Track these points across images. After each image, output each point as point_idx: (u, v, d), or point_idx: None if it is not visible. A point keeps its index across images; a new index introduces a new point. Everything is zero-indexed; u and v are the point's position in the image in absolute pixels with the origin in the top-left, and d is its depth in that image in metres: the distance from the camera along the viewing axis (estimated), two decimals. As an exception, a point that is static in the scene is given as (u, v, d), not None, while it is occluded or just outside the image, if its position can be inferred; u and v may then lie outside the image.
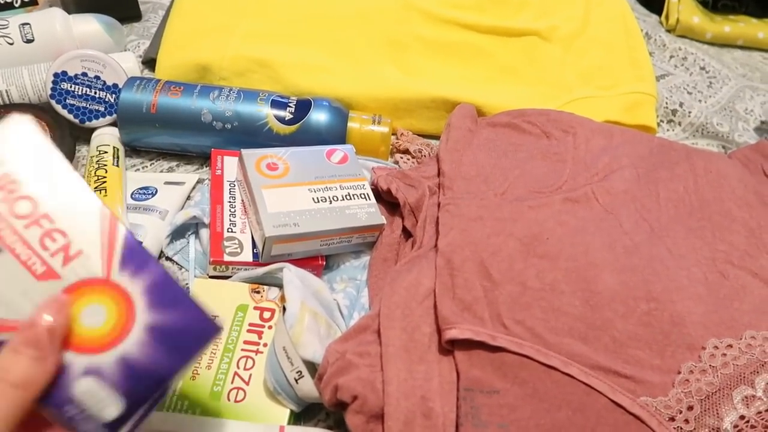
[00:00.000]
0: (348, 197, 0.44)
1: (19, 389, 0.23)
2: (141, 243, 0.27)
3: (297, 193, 0.43)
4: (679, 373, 0.36)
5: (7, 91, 0.51)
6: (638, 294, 0.39)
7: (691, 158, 0.49)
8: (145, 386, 0.26)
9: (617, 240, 0.42)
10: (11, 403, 0.23)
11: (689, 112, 0.57)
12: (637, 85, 0.56)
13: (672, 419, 0.34)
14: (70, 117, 0.51)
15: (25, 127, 0.26)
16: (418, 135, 0.55)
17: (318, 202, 0.43)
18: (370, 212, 0.44)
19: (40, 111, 0.50)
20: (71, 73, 0.50)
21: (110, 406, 0.26)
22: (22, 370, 0.23)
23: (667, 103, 0.58)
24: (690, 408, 0.35)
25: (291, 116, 0.50)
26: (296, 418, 0.39)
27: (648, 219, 0.44)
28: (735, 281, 0.40)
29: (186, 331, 0.27)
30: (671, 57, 0.64)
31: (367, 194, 0.45)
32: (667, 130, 0.58)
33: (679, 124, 0.58)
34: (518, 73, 0.57)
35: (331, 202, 0.44)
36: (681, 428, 0.34)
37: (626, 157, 0.49)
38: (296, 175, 0.45)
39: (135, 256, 0.27)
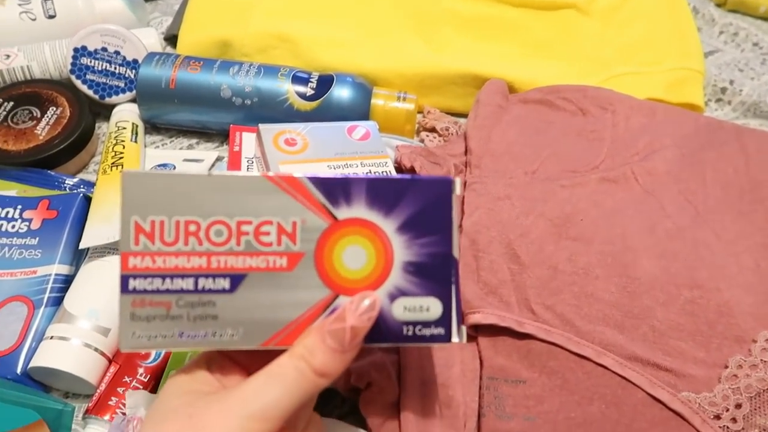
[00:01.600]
0: (369, 174, 0.42)
1: (317, 376, 0.24)
2: (323, 176, 0.26)
3: (316, 169, 0.41)
4: (727, 367, 0.33)
5: (28, 67, 0.50)
6: (681, 281, 0.36)
7: (742, 138, 0.45)
8: (441, 269, 0.27)
9: (658, 223, 0.39)
10: (309, 385, 0.24)
11: (740, 90, 0.53)
12: (683, 61, 0.52)
13: (717, 417, 0.31)
14: (90, 93, 0.50)
15: (140, 178, 0.25)
16: (446, 113, 0.52)
17: None
18: None
19: (61, 87, 0.50)
20: (91, 48, 0.49)
21: (431, 307, 0.27)
22: (324, 359, 0.24)
23: (715, 81, 0.54)
24: (738, 406, 0.31)
25: (312, 92, 0.48)
26: (310, 404, 0.37)
27: (693, 201, 0.41)
28: (790, 269, 0.37)
29: (430, 206, 0.27)
30: (721, 33, 0.59)
31: (390, 172, 0.43)
32: (716, 109, 0.54)
33: (729, 103, 0.54)
34: (553, 48, 0.53)
35: None
36: (728, 427, 0.31)
37: (669, 136, 0.45)
38: (315, 150, 0.43)
39: (334, 186, 0.26)
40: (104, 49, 0.49)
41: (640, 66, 0.53)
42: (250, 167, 0.44)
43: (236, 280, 0.25)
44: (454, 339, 0.27)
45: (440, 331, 0.27)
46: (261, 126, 0.43)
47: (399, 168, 0.44)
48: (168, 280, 0.25)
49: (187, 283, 0.25)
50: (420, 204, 0.27)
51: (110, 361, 0.38)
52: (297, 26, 0.53)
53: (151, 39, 0.53)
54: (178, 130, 0.52)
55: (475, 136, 0.43)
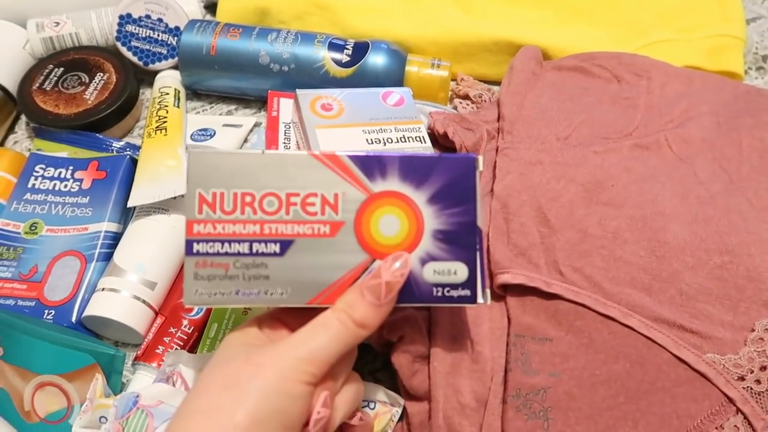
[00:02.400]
0: (402, 140, 0.43)
1: (357, 327, 0.27)
2: (361, 154, 0.29)
3: (351, 134, 0.42)
4: (753, 330, 0.33)
5: (76, 34, 0.52)
6: (711, 246, 0.36)
7: (782, 105, 0.44)
8: (466, 237, 0.30)
9: (690, 190, 0.39)
10: (349, 334, 0.27)
11: (782, 58, 0.52)
12: (723, 27, 0.51)
13: (742, 378, 0.32)
14: (135, 59, 0.52)
15: (204, 157, 0.29)
16: (480, 80, 0.52)
17: (372, 143, 0.42)
18: None
19: (108, 54, 0.51)
20: (135, 16, 0.51)
21: (458, 270, 0.30)
22: (363, 312, 0.27)
23: (757, 48, 0.53)
24: (763, 368, 0.32)
25: (348, 59, 0.49)
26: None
27: (727, 169, 0.41)
28: (824, 237, 0.37)
29: (455, 181, 0.30)
30: (765, -1, 0.58)
31: (423, 137, 0.44)
32: (756, 78, 0.53)
33: (770, 71, 0.53)
34: (589, 14, 0.53)
35: (385, 144, 0.42)
36: (751, 389, 0.32)
37: (706, 103, 0.45)
38: (351, 115, 0.44)
39: (370, 163, 0.29)
40: (148, 17, 0.51)
41: (678, 33, 0.52)
42: (287, 131, 0.46)
43: (285, 245, 0.29)
44: (479, 300, 0.30)
45: (467, 293, 0.30)
46: (298, 91, 0.44)
47: (432, 134, 0.45)
48: (226, 245, 0.28)
49: (243, 247, 0.28)
50: (447, 178, 0.30)
51: (156, 313, 0.40)
52: (333, -7, 0.54)
53: (191, 6, 0.55)
54: (218, 96, 0.53)
55: (508, 102, 0.44)
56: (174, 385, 0.35)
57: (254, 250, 0.28)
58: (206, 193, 0.28)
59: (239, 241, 0.28)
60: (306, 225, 0.29)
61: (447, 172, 0.30)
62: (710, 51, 0.51)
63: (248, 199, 0.29)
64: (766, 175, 0.40)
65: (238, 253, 0.28)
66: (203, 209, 0.28)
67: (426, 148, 0.43)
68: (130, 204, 0.41)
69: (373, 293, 0.28)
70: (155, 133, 0.45)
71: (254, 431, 0.24)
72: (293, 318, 0.30)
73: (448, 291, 0.29)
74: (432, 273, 0.29)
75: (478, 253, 0.30)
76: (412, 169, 0.30)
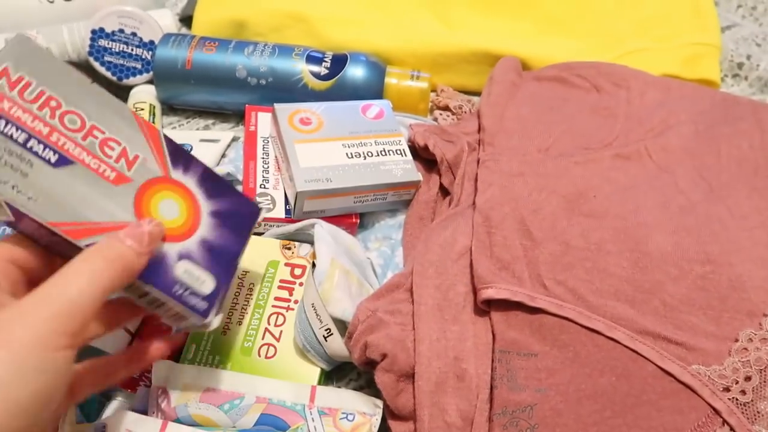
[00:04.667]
0: (383, 153, 0.43)
1: (112, 263, 0.26)
2: (175, 142, 0.31)
3: (330, 148, 0.42)
4: (737, 340, 0.33)
5: (47, 49, 0.51)
6: (693, 256, 0.36)
7: (758, 113, 0.45)
8: (225, 262, 0.32)
9: (672, 199, 0.39)
10: (114, 274, 0.25)
11: (757, 65, 0.52)
12: (698, 36, 0.52)
13: (727, 389, 0.32)
14: (108, 74, 0.51)
15: (32, 45, 0.28)
16: (459, 91, 0.52)
17: (352, 157, 0.42)
18: (405, 168, 0.42)
19: (80, 69, 0.50)
20: (108, 30, 0.50)
21: (206, 282, 0.31)
22: (119, 250, 0.26)
23: (732, 55, 0.53)
24: (748, 378, 0.32)
25: (327, 71, 0.48)
26: (327, 377, 0.38)
27: (707, 177, 0.41)
28: (804, 244, 0.37)
29: (240, 214, 0.33)
30: (739, 6, 0.58)
31: (404, 150, 0.43)
32: (732, 85, 0.53)
33: (746, 78, 0.53)
34: (567, 24, 0.53)
35: (365, 158, 0.42)
36: (737, 399, 0.32)
37: (685, 112, 0.45)
38: (330, 130, 0.43)
39: (179, 154, 0.31)
40: (121, 31, 0.50)
41: (655, 41, 0.52)
42: (265, 146, 0.45)
43: (64, 160, 0.28)
44: (208, 319, 0.31)
45: (203, 305, 0.31)
46: (276, 105, 0.44)
47: (413, 146, 0.45)
48: (4, 122, 0.27)
49: (20, 135, 0.27)
50: (234, 209, 0.33)
51: (133, 336, 0.39)
52: (310, 5, 0.53)
53: (166, 20, 0.54)
54: (194, 110, 0.52)
55: (489, 113, 0.43)
56: (157, 401, 0.34)
57: (29, 145, 0.27)
58: (14, 71, 0.27)
59: (19, 128, 0.27)
60: (95, 159, 0.29)
61: (237, 205, 0.33)
62: (687, 59, 0.51)
63: (53, 104, 0.28)
64: (744, 182, 0.40)
65: (11, 137, 0.27)
66: (2, 81, 0.27)
67: (406, 162, 0.43)
68: None
69: (135, 239, 0.27)
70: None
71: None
72: (35, 261, 0.27)
73: (188, 294, 0.30)
74: (183, 270, 0.30)
75: (225, 282, 0.32)
76: (210, 183, 0.32)
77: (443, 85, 0.52)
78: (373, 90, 0.49)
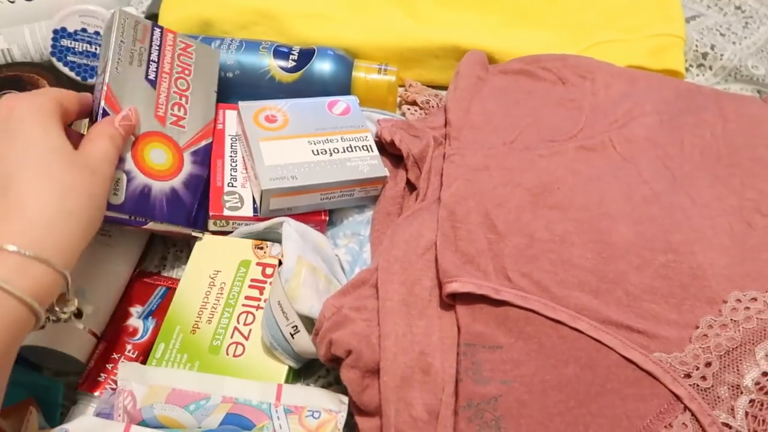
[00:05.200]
0: (349, 149, 0.42)
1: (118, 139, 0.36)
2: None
3: (296, 145, 0.42)
4: (697, 327, 0.33)
5: (9, 50, 0.50)
6: (656, 245, 0.36)
7: (721, 102, 0.45)
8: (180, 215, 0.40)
9: (635, 189, 0.39)
10: (120, 141, 0.36)
11: (721, 55, 0.53)
12: (664, 27, 0.52)
13: (688, 376, 0.32)
14: (72, 74, 0.50)
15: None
16: (428, 86, 0.52)
17: (318, 154, 0.42)
18: (372, 164, 0.42)
19: (42, 69, 0.50)
20: (70, 30, 0.49)
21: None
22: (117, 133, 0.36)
23: (697, 45, 0.54)
24: (708, 364, 0.32)
25: (294, 64, 0.48)
26: (296, 375, 0.38)
27: (670, 167, 0.41)
28: (763, 231, 0.37)
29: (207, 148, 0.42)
30: (704, -3, 0.59)
31: (370, 146, 0.43)
32: (697, 75, 0.54)
33: (710, 68, 0.54)
34: (534, 17, 0.53)
35: (331, 155, 0.42)
36: (697, 385, 0.32)
37: (649, 103, 0.45)
38: (295, 127, 0.43)
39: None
40: (84, 30, 0.49)
41: (621, 33, 0.52)
42: (233, 144, 0.45)
43: (152, 83, 0.40)
44: (197, 233, 0.40)
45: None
46: (241, 103, 0.43)
47: (380, 141, 0.45)
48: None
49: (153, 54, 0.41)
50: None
51: (99, 339, 0.38)
52: (278, 1, 0.53)
53: (131, 18, 0.53)
54: (161, 109, 0.52)
55: (455, 108, 0.44)
56: (123, 403, 0.34)
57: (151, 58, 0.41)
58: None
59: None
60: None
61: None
62: (652, 50, 0.52)
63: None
64: (707, 171, 0.41)
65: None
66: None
67: (373, 157, 0.43)
68: None
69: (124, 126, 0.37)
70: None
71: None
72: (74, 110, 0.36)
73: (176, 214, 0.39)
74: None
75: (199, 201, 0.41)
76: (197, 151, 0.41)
77: (411, 80, 0.52)
78: (341, 84, 0.49)
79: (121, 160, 0.37)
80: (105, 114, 0.37)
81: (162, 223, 0.39)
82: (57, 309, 0.31)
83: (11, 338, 0.28)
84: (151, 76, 0.40)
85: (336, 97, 0.46)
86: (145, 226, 0.39)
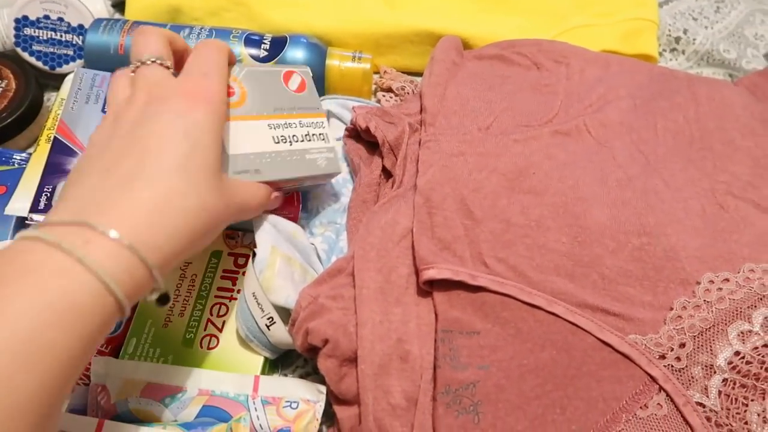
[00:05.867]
0: (307, 137, 0.41)
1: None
2: None
3: (256, 129, 0.39)
4: (672, 309, 0.34)
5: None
6: (630, 228, 0.36)
7: (693, 86, 0.46)
8: None
9: (610, 173, 0.39)
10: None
11: (694, 39, 0.53)
12: (636, 11, 0.52)
13: (662, 357, 0.33)
14: (39, 64, 0.49)
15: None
16: (403, 72, 0.52)
17: (278, 142, 0.40)
18: (329, 158, 0.40)
19: (5, 59, 0.48)
20: (33, 17, 0.48)
21: None
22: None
23: (669, 30, 0.54)
24: (682, 345, 0.33)
25: (266, 53, 0.47)
26: (273, 365, 0.38)
27: (644, 151, 0.41)
28: (735, 213, 0.38)
29: None
30: (677, -18, 0.59)
31: (326, 135, 0.42)
32: (670, 59, 0.54)
33: (683, 52, 0.54)
34: (508, 2, 0.53)
35: (291, 144, 0.40)
36: (672, 366, 0.32)
37: (623, 87, 0.45)
38: (254, 104, 0.40)
39: None
40: (47, 17, 0.48)
41: (594, 18, 0.52)
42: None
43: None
44: None
45: None
46: None
47: (355, 128, 0.44)
48: None
49: None
50: None
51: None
52: (248, -13, 0.52)
53: (97, 5, 0.51)
54: (130, 99, 0.51)
55: (430, 93, 0.43)
56: (97, 398, 0.34)
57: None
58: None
59: None
60: None
61: None
62: (625, 35, 0.52)
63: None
64: (679, 155, 0.41)
65: None
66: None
67: (330, 150, 0.41)
68: (6, 212, 0.39)
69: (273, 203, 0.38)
70: (46, 143, 0.42)
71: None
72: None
73: None
74: None
75: None
76: None
77: (386, 67, 0.52)
78: (314, 71, 0.47)
79: None
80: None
81: None
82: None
83: (98, 330, 0.25)
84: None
85: (290, 66, 0.43)
86: None
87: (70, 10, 0.48)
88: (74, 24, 0.48)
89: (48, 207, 0.36)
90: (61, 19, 0.48)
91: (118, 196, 0.27)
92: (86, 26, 0.48)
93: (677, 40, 0.54)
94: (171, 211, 0.28)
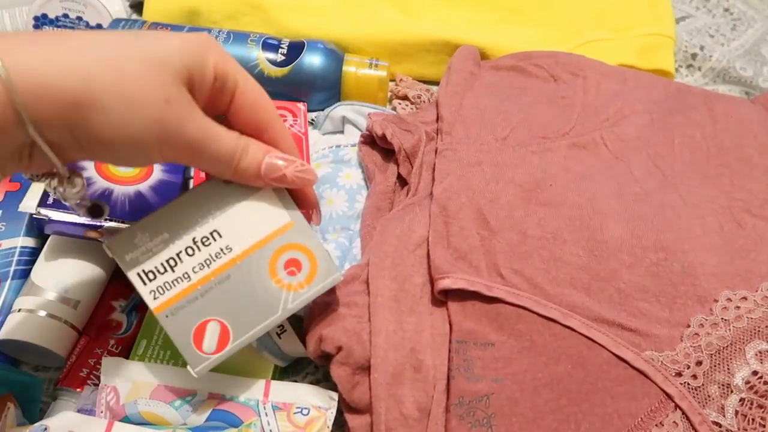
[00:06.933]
0: None
1: (233, 169, 0.28)
2: None
3: None
4: (689, 326, 0.33)
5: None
6: (647, 243, 0.36)
7: (710, 103, 0.45)
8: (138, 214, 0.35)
9: (626, 188, 0.39)
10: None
11: (710, 56, 0.53)
12: (654, 27, 0.52)
13: (679, 374, 0.32)
14: (54, 62, 0.49)
15: None
16: (418, 80, 0.52)
17: None
18: None
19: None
20: (52, 16, 0.48)
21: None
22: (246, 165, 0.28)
23: (686, 46, 0.54)
24: (699, 363, 0.32)
25: (283, 58, 0.47)
26: (283, 371, 0.38)
27: (661, 166, 0.41)
28: (753, 231, 0.37)
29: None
30: (693, -1, 0.59)
31: None
32: (686, 75, 0.54)
33: (699, 69, 0.54)
34: (525, 14, 0.53)
35: None
36: (688, 384, 0.32)
37: (640, 102, 0.45)
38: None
39: None
40: (65, 16, 0.48)
41: (611, 32, 0.53)
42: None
43: None
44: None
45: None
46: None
47: (371, 135, 0.44)
48: None
49: None
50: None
51: (80, 334, 0.37)
52: (267, -8, 0.52)
53: (116, 5, 0.52)
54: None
55: (447, 103, 0.43)
56: (106, 399, 0.33)
57: None
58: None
59: None
60: None
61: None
62: (642, 50, 0.52)
63: None
64: (697, 171, 0.41)
65: None
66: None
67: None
68: (20, 209, 0.38)
69: (270, 169, 0.28)
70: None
71: None
72: None
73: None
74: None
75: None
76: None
77: (402, 75, 0.52)
78: (331, 78, 0.48)
79: (82, 168, 0.35)
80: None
81: (122, 221, 0.36)
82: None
83: None
84: None
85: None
86: (103, 227, 0.36)
87: (89, 10, 0.48)
88: (93, 23, 0.48)
89: (56, 202, 0.36)
90: (80, 18, 0.48)
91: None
92: (105, 26, 0.48)
93: (693, 56, 0.54)
94: (74, 50, 0.23)
